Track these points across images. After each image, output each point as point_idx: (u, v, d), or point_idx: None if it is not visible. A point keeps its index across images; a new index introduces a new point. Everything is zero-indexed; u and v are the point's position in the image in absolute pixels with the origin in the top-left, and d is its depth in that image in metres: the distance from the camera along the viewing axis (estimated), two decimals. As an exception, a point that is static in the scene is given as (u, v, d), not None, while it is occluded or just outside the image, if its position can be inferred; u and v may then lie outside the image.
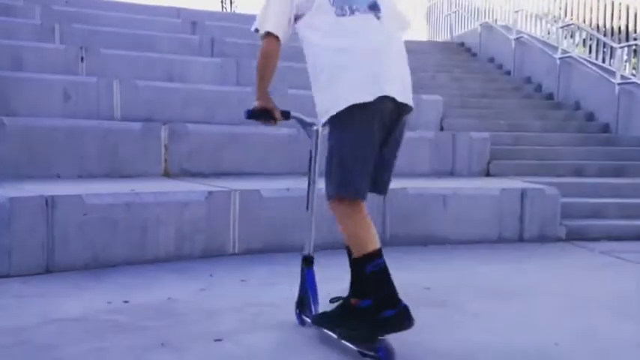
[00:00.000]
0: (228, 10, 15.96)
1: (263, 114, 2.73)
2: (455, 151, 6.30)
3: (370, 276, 2.41)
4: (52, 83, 5.37)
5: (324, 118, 2.50)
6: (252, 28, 2.65)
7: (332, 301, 2.72)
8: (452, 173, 6.25)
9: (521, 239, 5.16)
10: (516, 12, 10.46)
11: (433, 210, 4.99)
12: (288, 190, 4.61)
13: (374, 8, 2.50)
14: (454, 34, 12.87)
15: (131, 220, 3.95)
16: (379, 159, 2.51)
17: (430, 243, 4.90)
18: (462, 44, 12.20)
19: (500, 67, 10.57)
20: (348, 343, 2.46)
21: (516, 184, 5.55)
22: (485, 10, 11.87)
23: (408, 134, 6.38)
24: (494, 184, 5.51)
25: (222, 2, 16.57)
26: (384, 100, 2.39)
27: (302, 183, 4.99)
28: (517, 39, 10.04)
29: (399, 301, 2.37)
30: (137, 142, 5.04)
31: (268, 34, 2.55)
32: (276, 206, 4.50)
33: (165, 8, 9.22)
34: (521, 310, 3.30)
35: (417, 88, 8.35)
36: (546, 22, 10.24)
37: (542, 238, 5.18)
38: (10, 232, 3.55)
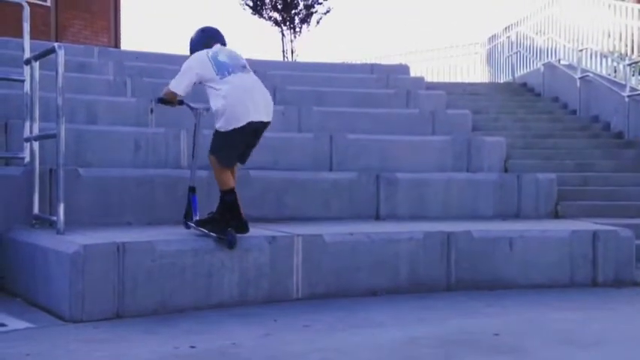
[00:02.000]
0: (290, 59, 16.38)
1: (166, 101, 4.48)
2: (520, 192, 6.16)
3: (228, 201, 4.24)
4: (124, 135, 5.63)
5: (217, 124, 4.27)
6: (168, 91, 4.44)
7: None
8: (517, 215, 6.10)
9: (594, 284, 4.94)
10: (580, 51, 10.29)
11: (499, 253, 4.87)
12: (351, 234, 4.61)
13: (244, 68, 4.36)
14: (516, 75, 12.74)
15: (197, 266, 4.04)
16: (245, 150, 4.41)
17: (497, 287, 4.76)
18: (525, 84, 12.04)
19: (565, 106, 10.35)
20: (212, 233, 4.20)
21: (587, 225, 5.36)
22: (547, 50, 11.73)
23: (470, 176, 6.32)
24: (563, 226, 5.34)
25: (283, 52, 17.05)
26: (252, 123, 4.21)
27: (365, 227, 5.01)
28: (582, 78, 9.84)
29: (240, 214, 4.26)
30: (203, 189, 5.17)
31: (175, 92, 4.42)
32: (340, 251, 4.50)
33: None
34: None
35: (480, 129, 8.31)
36: (612, 60, 10.00)
37: (618, 283, 4.94)
38: (84, 278, 3.69)
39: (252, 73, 4.42)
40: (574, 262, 4.95)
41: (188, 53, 4.53)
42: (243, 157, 4.45)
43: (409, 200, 5.87)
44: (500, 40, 13.99)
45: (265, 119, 4.32)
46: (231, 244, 4.13)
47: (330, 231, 4.61)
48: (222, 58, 4.29)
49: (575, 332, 3.66)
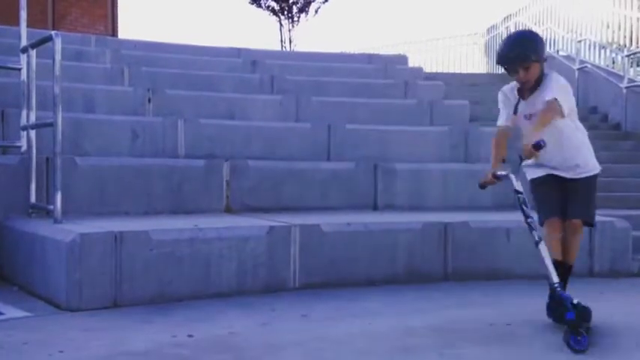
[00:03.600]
0: (288, 49, 16.33)
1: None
2: (518, 183, 6.15)
3: None
4: (121, 124, 5.61)
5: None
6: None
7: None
8: (515, 206, 6.09)
9: (591, 274, 4.96)
10: (579, 42, 10.27)
11: (496, 243, 4.88)
12: (348, 224, 4.62)
13: None
14: (514, 66, 12.72)
15: (195, 256, 4.04)
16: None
17: (493, 277, 4.77)
18: (523, 75, 12.04)
19: (563, 97, 10.34)
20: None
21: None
22: (546, 41, 11.70)
23: (467, 166, 6.32)
24: (560, 217, 5.33)
25: (281, 42, 16.99)
26: None
27: (362, 217, 5.01)
28: (580, 69, 9.83)
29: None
30: (200, 179, 5.18)
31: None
32: (337, 241, 4.50)
33: (226, 49, 9.55)
34: (593, 348, 3.16)
35: (478, 120, 8.27)
36: (611, 51, 9.99)
37: (614, 273, 4.97)
38: (82, 267, 3.69)
39: None
40: (571, 253, 4.96)
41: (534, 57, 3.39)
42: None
43: (407, 190, 5.87)
44: (499, 31, 13.96)
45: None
46: None
47: (327, 221, 4.62)
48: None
49: (571, 322, 3.67)
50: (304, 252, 4.40)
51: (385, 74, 9.03)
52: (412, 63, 12.17)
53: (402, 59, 10.71)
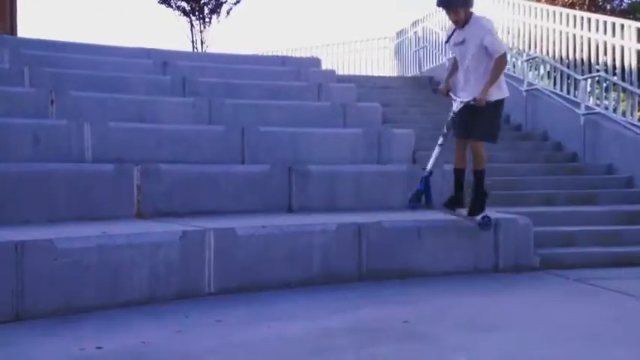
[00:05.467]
0: (199, 51, 16.05)
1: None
2: (428, 183, 6.33)
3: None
4: (21, 127, 5.31)
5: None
6: (501, 53, 4.93)
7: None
8: (426, 205, 6.28)
9: (496, 270, 5.19)
10: (482, 46, 10.71)
11: (409, 243, 5.01)
12: (263, 227, 4.59)
13: None
14: (423, 69, 13.12)
15: (104, 264, 3.88)
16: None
17: (407, 276, 4.89)
18: (432, 78, 12.42)
19: (469, 100, 10.77)
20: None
21: (490, 214, 5.58)
22: (452, 46, 12.12)
23: (380, 168, 6.45)
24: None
25: (193, 43, 16.69)
26: None
27: (277, 220, 5.00)
28: (484, 72, 10.26)
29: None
30: (109, 184, 4.99)
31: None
32: (252, 244, 4.47)
33: (135, 49, 9.24)
34: (501, 342, 3.30)
35: (390, 122, 8.46)
36: (511, 56, 10.50)
37: (517, 268, 5.21)
38: (-22, 279, 3.46)
39: None
40: (479, 250, 5.18)
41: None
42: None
43: (322, 192, 5.91)
44: (408, 35, 14.35)
45: None
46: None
47: (242, 224, 4.57)
48: None
49: (479, 316, 3.83)
50: (219, 256, 4.33)
51: (298, 77, 9.06)
52: (325, 66, 12.28)
53: (316, 62, 10.78)
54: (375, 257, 4.89)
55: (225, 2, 16.58)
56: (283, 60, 10.51)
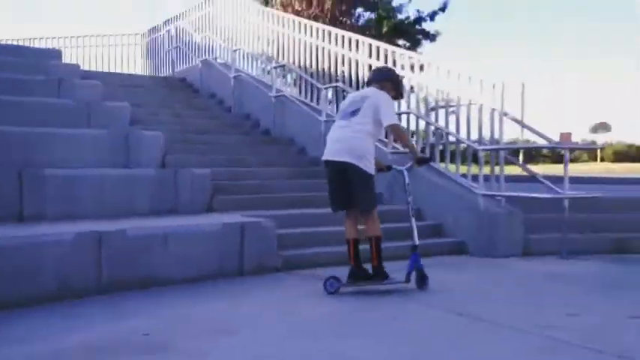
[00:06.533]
0: None
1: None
2: (177, 187, 6.28)
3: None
4: None
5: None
6: (389, 123, 4.73)
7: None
8: (175, 210, 6.21)
9: (241, 273, 5.32)
10: (234, 51, 10.94)
11: (154, 250, 4.88)
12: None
13: (350, 114, 4.77)
14: (176, 70, 12.94)
15: None
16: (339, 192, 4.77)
17: (153, 285, 4.77)
18: (184, 80, 12.32)
19: (221, 102, 10.92)
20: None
21: (236, 218, 5.73)
22: (205, 47, 12.17)
23: (126, 172, 6.20)
24: (215, 220, 5.61)
25: None
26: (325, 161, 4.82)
27: (3, 230, 4.44)
28: (236, 77, 10.50)
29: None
30: None
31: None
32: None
33: None
34: (242, 343, 3.39)
35: (139, 123, 8.18)
36: (261, 62, 10.90)
37: (262, 270, 5.40)
38: None
39: (353, 119, 4.69)
40: (224, 254, 5.26)
41: None
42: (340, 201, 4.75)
43: (60, 198, 5.48)
44: (161, 34, 14.04)
45: (329, 158, 4.72)
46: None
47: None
48: (342, 104, 4.96)
49: (222, 321, 3.89)
50: None
51: (37, 69, 8.27)
52: (68, 59, 11.42)
53: (56, 53, 9.93)
54: (119, 268, 4.67)
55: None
56: (18, 49, 9.51)
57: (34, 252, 4.27)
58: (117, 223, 4.98)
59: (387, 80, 4.95)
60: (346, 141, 4.64)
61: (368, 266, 4.66)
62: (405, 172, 4.90)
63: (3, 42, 12.26)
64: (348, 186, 4.62)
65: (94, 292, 4.51)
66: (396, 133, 4.92)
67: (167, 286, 4.78)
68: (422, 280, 4.69)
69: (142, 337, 3.49)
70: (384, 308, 4.27)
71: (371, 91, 4.86)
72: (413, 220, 4.79)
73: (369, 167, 4.64)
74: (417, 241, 4.72)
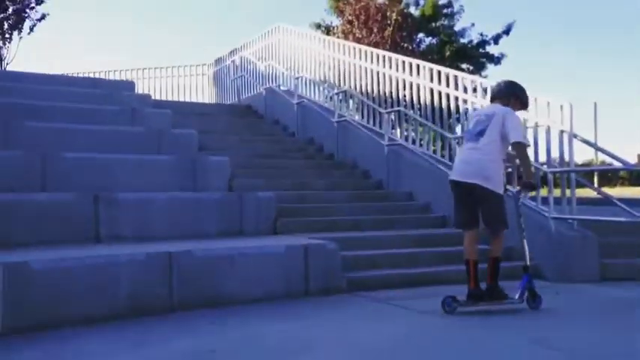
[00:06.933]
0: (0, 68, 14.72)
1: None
2: (242, 210, 6.41)
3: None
4: None
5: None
6: (516, 140, 4.73)
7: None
8: (240, 232, 6.33)
9: (307, 293, 5.34)
10: (297, 78, 11.16)
11: (221, 271, 4.98)
12: (62, 260, 4.28)
13: (476, 136, 4.77)
14: (241, 97, 13.29)
15: None
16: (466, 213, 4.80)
17: (220, 304, 4.85)
18: (249, 107, 12.63)
19: (285, 128, 11.11)
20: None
21: (300, 240, 5.78)
22: (269, 76, 12.47)
23: (194, 195, 6.37)
24: (279, 242, 5.68)
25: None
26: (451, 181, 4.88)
27: (81, 251, 4.67)
28: (299, 103, 10.68)
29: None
30: None
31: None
32: (50, 279, 4.15)
33: None
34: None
35: (207, 149, 8.42)
36: (324, 89, 11.05)
37: (327, 291, 5.41)
38: None
39: (481, 139, 4.70)
40: (289, 275, 5.30)
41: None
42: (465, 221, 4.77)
43: (133, 221, 5.70)
44: (227, 64, 14.47)
45: (457, 178, 4.76)
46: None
47: (38, 257, 4.23)
48: (470, 124, 4.98)
49: (288, 341, 3.91)
50: (10, 293, 3.96)
51: (111, 100, 8.69)
52: (140, 90, 11.93)
53: (130, 85, 10.43)
54: (187, 287, 4.78)
55: (27, 17, 15.43)
56: (94, 82, 10.04)
57: (108, 270, 4.44)
58: (186, 244, 5.12)
59: (510, 94, 4.91)
60: (475, 163, 4.67)
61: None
62: (517, 195, 4.97)
63: (81, 76, 12.96)
64: (474, 207, 4.66)
65: (165, 311, 4.63)
66: (520, 151, 4.77)
67: (234, 306, 4.85)
68: (534, 300, 4.71)
69: (206, 354, 3.56)
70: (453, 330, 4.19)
71: (495, 108, 4.83)
72: (524, 242, 4.77)
73: (499, 187, 4.67)
74: (528, 262, 4.75)
